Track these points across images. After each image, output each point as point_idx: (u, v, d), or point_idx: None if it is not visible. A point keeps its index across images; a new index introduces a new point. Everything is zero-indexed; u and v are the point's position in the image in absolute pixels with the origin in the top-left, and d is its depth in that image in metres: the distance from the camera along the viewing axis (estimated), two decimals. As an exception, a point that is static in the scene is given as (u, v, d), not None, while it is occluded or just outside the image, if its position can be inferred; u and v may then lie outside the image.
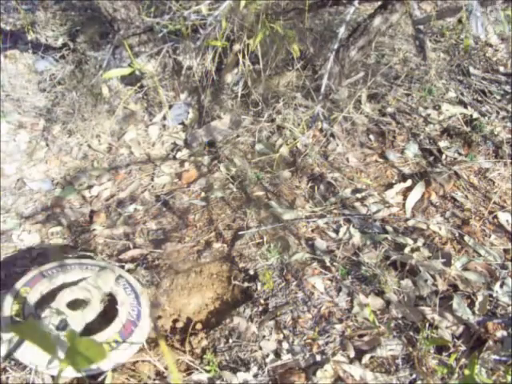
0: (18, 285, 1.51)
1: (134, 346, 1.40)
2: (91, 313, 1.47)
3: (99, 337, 1.38)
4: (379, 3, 2.19)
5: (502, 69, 2.76)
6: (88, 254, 1.80)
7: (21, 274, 1.64)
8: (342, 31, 2.20)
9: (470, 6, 1.73)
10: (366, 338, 1.46)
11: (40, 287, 1.52)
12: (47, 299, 1.50)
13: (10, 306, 1.43)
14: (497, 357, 1.38)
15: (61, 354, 1.21)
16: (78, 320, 1.43)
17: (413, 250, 1.73)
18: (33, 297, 1.48)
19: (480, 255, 1.72)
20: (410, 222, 1.87)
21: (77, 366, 0.55)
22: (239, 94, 2.40)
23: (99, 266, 1.63)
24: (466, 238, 1.79)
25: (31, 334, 0.54)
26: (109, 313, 1.51)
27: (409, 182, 2.05)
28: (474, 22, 1.80)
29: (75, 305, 1.48)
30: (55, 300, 1.46)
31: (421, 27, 2.64)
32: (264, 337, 1.48)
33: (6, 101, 2.62)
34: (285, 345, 1.46)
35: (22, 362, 1.33)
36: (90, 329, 1.44)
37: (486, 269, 1.66)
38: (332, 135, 2.31)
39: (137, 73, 2.46)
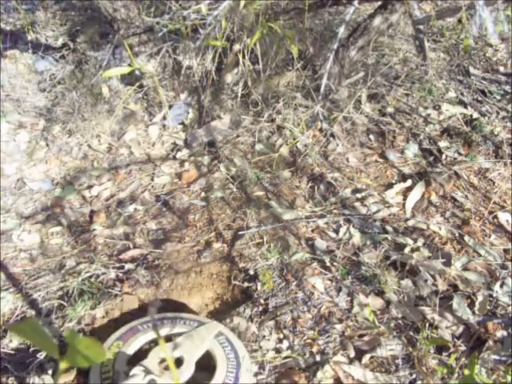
0: (111, 339, 1.41)
1: None
2: (185, 373, 1.31)
3: None
4: (379, 3, 2.19)
5: (502, 69, 2.76)
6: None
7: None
8: (341, 31, 2.20)
9: (475, 6, 1.72)
10: (366, 338, 1.46)
11: (133, 342, 1.41)
12: (140, 356, 1.37)
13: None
14: (497, 357, 1.38)
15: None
16: (170, 380, 1.29)
17: (413, 250, 1.73)
18: (125, 352, 1.37)
19: (480, 255, 1.72)
20: (410, 222, 1.87)
21: (77, 365, 0.55)
22: (239, 94, 2.40)
23: (198, 320, 1.49)
24: (466, 237, 1.79)
25: (31, 334, 0.54)
26: (204, 373, 1.36)
27: (409, 182, 2.05)
28: (478, 23, 1.80)
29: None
30: (147, 357, 1.33)
31: (421, 27, 2.64)
32: (264, 337, 1.48)
33: (6, 101, 2.62)
34: (285, 345, 1.46)
35: None
36: None
37: (486, 269, 1.66)
38: (332, 135, 2.31)
39: (137, 73, 2.46)
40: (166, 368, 1.31)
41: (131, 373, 1.29)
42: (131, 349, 1.40)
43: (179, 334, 1.42)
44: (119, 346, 1.39)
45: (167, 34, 2.16)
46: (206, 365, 1.38)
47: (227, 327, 1.49)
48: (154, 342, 1.44)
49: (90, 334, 1.56)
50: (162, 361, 1.34)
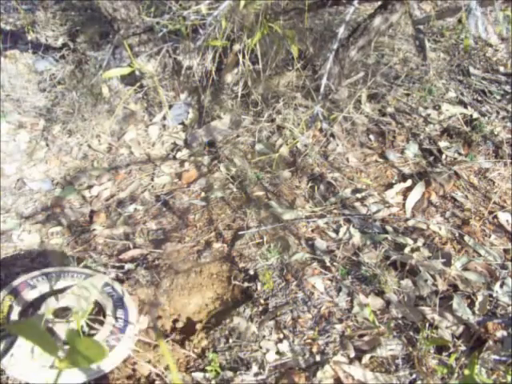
0: (3, 293, 1.49)
1: (120, 354, 1.38)
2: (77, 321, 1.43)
3: None
4: (379, 3, 2.19)
5: (502, 69, 2.76)
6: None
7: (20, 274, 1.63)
8: (341, 31, 2.20)
9: (469, 5, 1.74)
10: (366, 338, 1.46)
11: (25, 295, 1.49)
12: (33, 308, 1.49)
13: None
14: (497, 357, 1.38)
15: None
16: (64, 328, 1.40)
17: (413, 250, 1.73)
18: (18, 305, 1.46)
19: (480, 255, 1.72)
20: (410, 222, 1.87)
21: (77, 366, 0.55)
22: (239, 94, 2.40)
23: (85, 273, 1.60)
24: (466, 237, 1.79)
25: (31, 334, 0.54)
26: (95, 321, 1.48)
27: (409, 182, 2.05)
28: (473, 22, 1.81)
29: (61, 313, 1.46)
30: (40, 308, 1.44)
31: (421, 27, 2.64)
32: (264, 337, 1.48)
33: (6, 101, 2.62)
34: (285, 345, 1.45)
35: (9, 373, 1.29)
36: None
37: (486, 269, 1.66)
38: (332, 135, 2.31)
39: (137, 73, 2.46)
40: (59, 317, 1.43)
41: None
42: (23, 301, 1.47)
43: (68, 287, 1.53)
44: (11, 299, 1.47)
45: (167, 34, 2.16)
46: (96, 314, 1.50)
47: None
48: (46, 295, 1.52)
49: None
50: (54, 312, 1.44)
